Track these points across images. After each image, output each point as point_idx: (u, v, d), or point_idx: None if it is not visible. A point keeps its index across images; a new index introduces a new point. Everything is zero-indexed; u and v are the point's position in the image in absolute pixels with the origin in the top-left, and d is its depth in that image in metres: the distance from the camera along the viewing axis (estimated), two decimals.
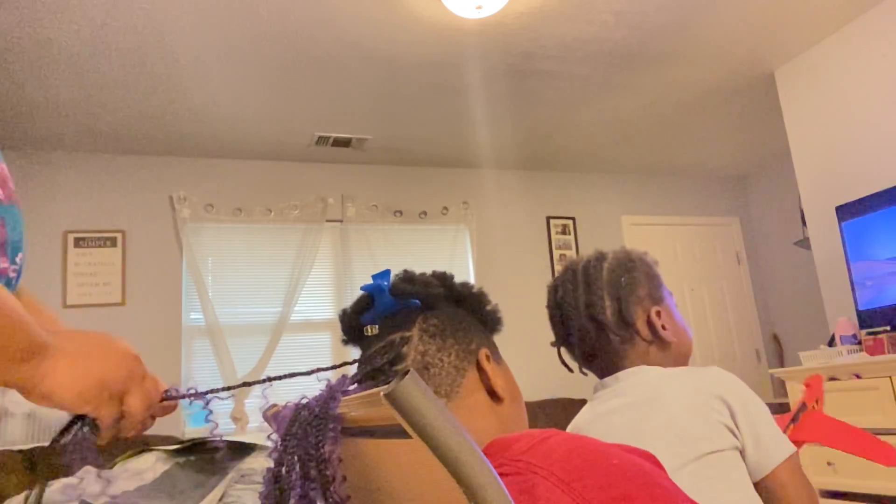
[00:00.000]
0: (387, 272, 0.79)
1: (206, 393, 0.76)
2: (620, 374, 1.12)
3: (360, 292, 0.80)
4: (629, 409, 1.06)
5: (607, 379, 1.14)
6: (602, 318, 1.12)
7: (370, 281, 0.79)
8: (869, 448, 1.23)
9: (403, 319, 0.77)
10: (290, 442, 0.61)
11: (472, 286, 0.83)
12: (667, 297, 1.19)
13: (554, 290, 1.19)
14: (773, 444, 0.99)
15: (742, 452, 0.99)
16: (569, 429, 1.17)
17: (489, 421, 0.74)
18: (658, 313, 1.14)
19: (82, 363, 0.65)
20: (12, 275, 0.79)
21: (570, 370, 1.21)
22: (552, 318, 1.19)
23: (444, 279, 0.81)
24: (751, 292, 5.45)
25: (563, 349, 1.21)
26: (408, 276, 0.80)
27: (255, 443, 1.81)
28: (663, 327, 1.14)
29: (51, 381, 0.63)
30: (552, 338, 1.22)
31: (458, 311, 0.80)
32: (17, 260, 0.80)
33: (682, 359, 1.17)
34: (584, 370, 1.20)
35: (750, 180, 5.66)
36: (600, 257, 1.18)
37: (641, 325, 1.13)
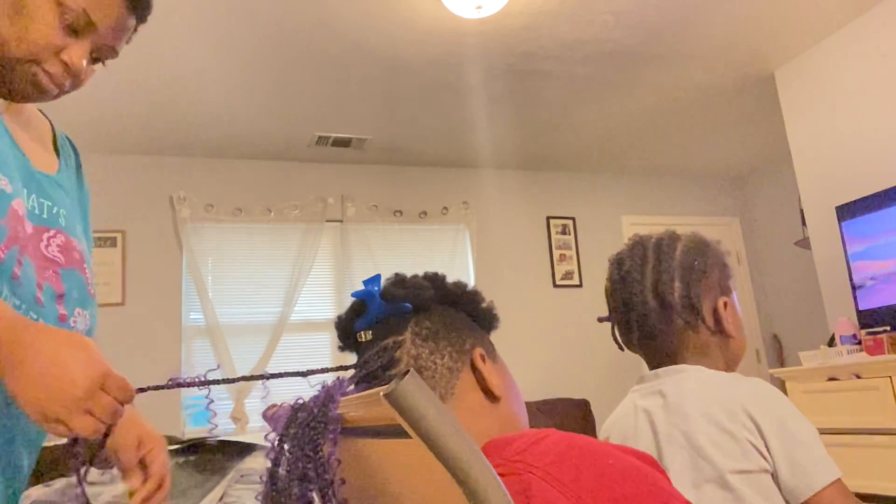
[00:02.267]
0: (377, 277, 0.79)
1: (175, 385, 0.77)
2: (661, 370, 1.07)
3: (352, 299, 0.80)
4: (660, 411, 1.02)
5: (647, 374, 1.10)
6: (669, 297, 1.06)
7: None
8: None
9: (396, 324, 0.77)
10: (288, 443, 0.61)
11: (465, 285, 0.82)
12: (733, 290, 1.14)
13: (619, 262, 1.13)
14: (812, 469, 0.91)
15: (774, 476, 0.92)
16: (610, 418, 1.14)
17: (487, 421, 0.74)
18: (725, 305, 1.09)
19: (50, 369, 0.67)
20: (72, 324, 0.87)
21: (622, 348, 1.15)
22: (613, 291, 1.13)
23: (435, 280, 0.81)
24: (751, 292, 5.45)
25: (616, 327, 1.14)
26: (398, 280, 0.80)
27: (255, 443, 1.81)
28: (728, 321, 1.08)
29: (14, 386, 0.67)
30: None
31: (451, 311, 0.80)
32: (76, 314, 0.88)
33: (734, 359, 1.12)
34: (636, 351, 1.14)
35: (750, 180, 5.65)
36: (674, 237, 1.12)
37: (707, 314, 1.08)
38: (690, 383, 1.02)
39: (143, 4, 0.90)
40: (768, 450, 0.92)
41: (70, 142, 1.05)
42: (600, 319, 1.18)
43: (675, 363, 1.08)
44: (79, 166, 1.05)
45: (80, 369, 0.67)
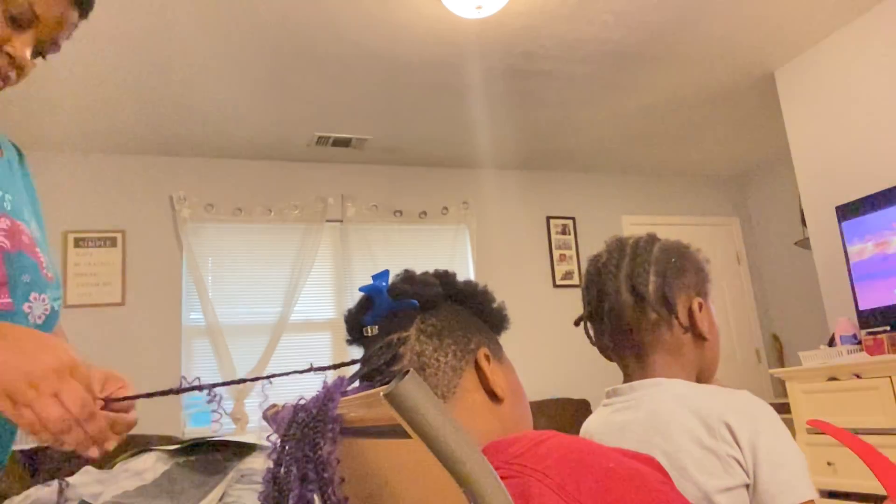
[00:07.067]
0: (385, 273, 0.79)
1: (156, 394, 0.74)
2: (636, 384, 1.04)
3: (360, 293, 0.80)
4: (638, 428, 0.99)
5: (621, 387, 1.07)
6: (644, 290, 1.04)
7: (370, 281, 0.79)
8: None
9: (402, 320, 0.76)
10: (288, 443, 0.61)
11: (475, 284, 0.82)
12: (710, 296, 1.12)
13: (595, 258, 1.12)
14: (775, 490, 0.87)
15: (748, 491, 0.89)
16: (583, 433, 1.11)
17: (488, 421, 0.73)
18: (700, 306, 1.07)
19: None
20: (26, 310, 0.84)
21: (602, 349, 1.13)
22: (588, 286, 1.11)
23: (445, 278, 0.80)
24: (751, 292, 5.45)
25: (590, 324, 1.12)
26: (407, 277, 0.80)
27: (255, 443, 1.81)
28: (702, 322, 1.06)
29: None
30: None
31: (459, 310, 0.80)
32: (32, 299, 0.86)
33: (708, 367, 1.09)
34: (608, 351, 1.11)
35: (750, 180, 5.65)
36: (653, 237, 1.12)
37: (682, 312, 1.05)
38: (668, 398, 0.99)
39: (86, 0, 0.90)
40: (745, 461, 0.90)
41: (7, 140, 1.04)
42: (577, 322, 1.15)
43: (647, 359, 1.06)
44: (20, 157, 1.03)
45: (49, 352, 0.66)
